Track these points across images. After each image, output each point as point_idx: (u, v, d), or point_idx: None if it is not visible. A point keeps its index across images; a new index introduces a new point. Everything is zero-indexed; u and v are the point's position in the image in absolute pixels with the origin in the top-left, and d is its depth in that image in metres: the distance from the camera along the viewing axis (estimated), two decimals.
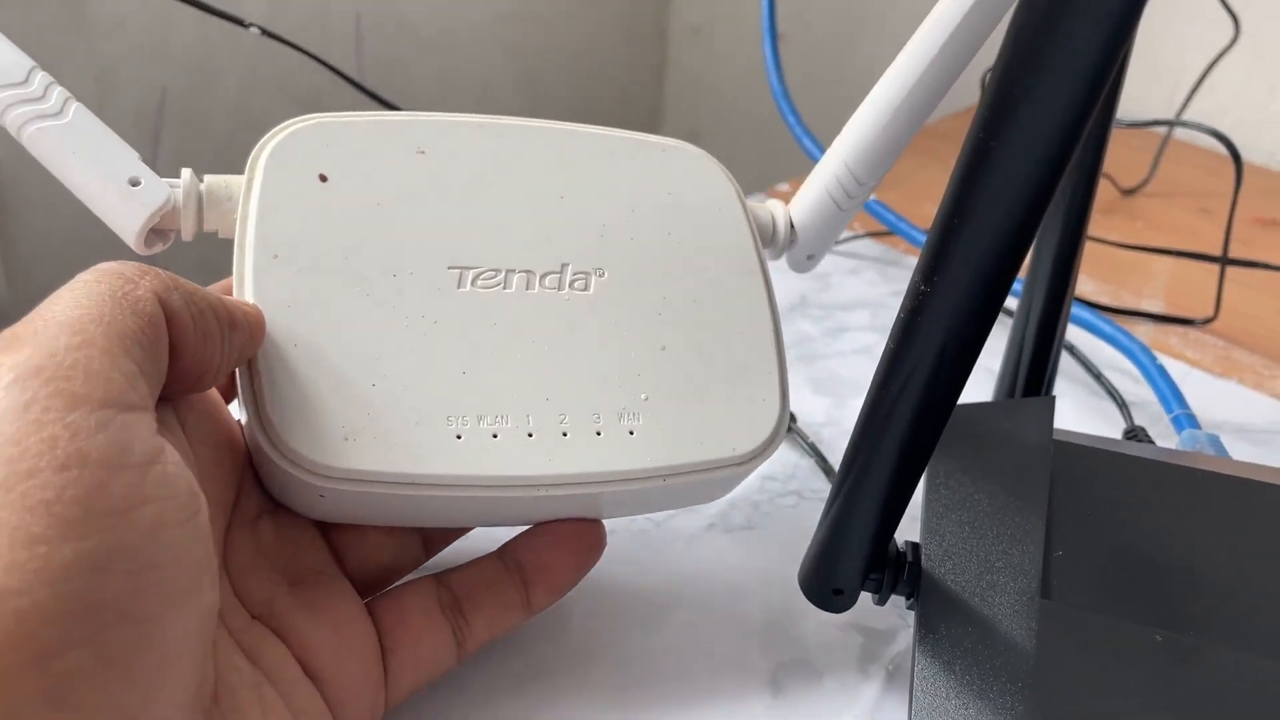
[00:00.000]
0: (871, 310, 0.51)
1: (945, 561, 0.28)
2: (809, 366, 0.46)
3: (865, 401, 0.25)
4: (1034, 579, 0.27)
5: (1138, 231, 0.63)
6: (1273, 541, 0.28)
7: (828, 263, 0.55)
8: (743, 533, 0.36)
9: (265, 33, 0.47)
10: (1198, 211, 0.67)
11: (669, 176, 0.32)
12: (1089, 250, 0.59)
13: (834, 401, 0.44)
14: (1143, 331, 0.52)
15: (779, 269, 0.35)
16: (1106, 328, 0.44)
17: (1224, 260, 0.53)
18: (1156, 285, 0.57)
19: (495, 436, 0.27)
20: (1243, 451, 0.43)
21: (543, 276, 0.29)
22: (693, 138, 0.34)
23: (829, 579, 0.29)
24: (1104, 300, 0.54)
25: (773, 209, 0.35)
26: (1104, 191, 0.68)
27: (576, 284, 0.30)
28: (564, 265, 0.30)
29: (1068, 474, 0.30)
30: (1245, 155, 0.77)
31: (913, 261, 0.52)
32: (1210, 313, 0.53)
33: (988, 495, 0.30)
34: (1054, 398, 0.34)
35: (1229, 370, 0.49)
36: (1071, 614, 0.26)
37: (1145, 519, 0.29)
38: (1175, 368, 0.49)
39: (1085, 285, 0.56)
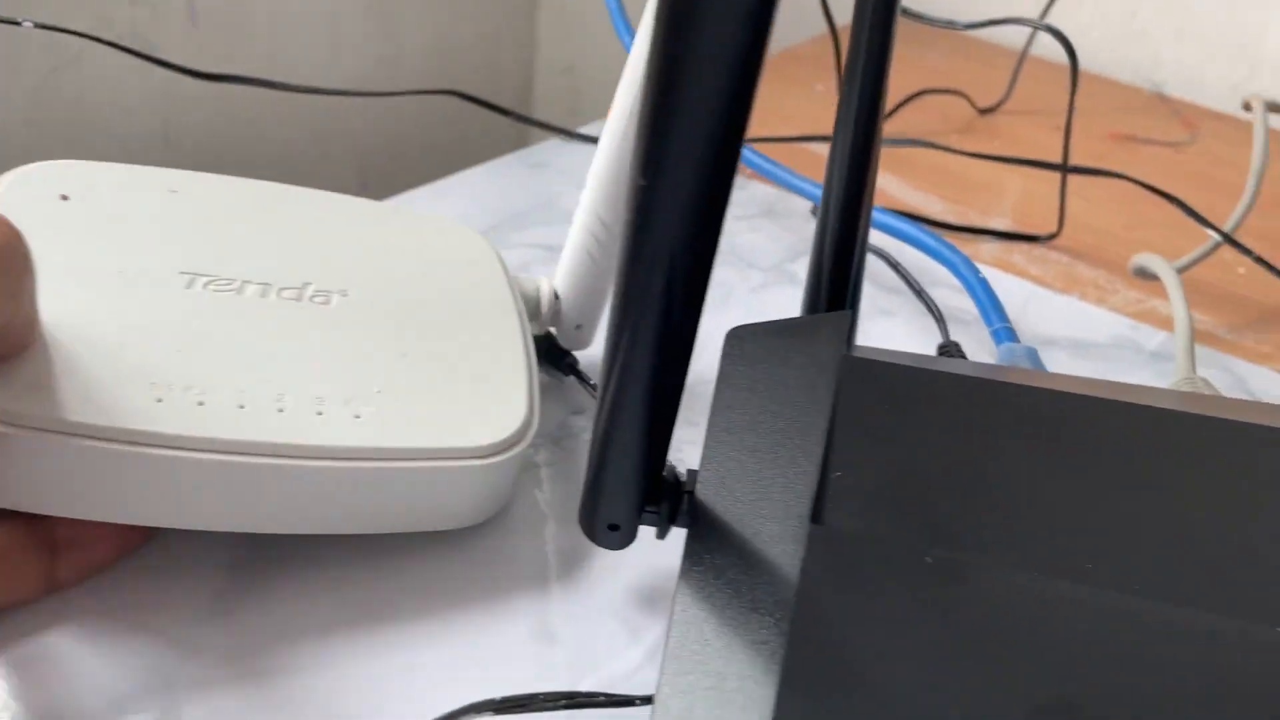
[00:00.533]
0: (760, 252, 0.48)
1: (720, 489, 0.26)
2: None
3: (609, 323, 0.23)
4: (806, 502, 0.25)
5: (993, 150, 0.61)
6: (1065, 455, 0.26)
7: None
8: (536, 470, 0.33)
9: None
10: (1053, 129, 0.65)
11: (430, 240, 0.35)
12: (937, 170, 0.57)
13: None
14: (988, 250, 0.51)
15: None
16: (930, 241, 0.42)
17: (1064, 168, 0.51)
18: (1006, 204, 0.55)
19: (201, 404, 0.26)
20: (1081, 367, 0.42)
21: (280, 290, 0.30)
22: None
23: (603, 514, 0.27)
24: (950, 219, 0.53)
25: (537, 281, 0.36)
26: (961, 110, 0.66)
27: (316, 299, 0.30)
28: (305, 284, 0.30)
29: (855, 391, 0.28)
30: (1108, 72, 0.76)
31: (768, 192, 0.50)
32: (1054, 229, 0.51)
33: (769, 416, 0.28)
34: (849, 313, 0.31)
35: (1071, 286, 0.48)
36: (839, 538, 0.24)
37: (934, 436, 0.27)
38: (1019, 285, 0.48)
39: (933, 205, 0.54)
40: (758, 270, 0.46)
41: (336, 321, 0.30)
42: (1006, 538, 0.24)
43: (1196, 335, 0.46)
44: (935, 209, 0.54)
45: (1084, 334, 0.45)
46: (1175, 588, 0.23)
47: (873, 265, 0.46)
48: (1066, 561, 0.23)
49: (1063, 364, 0.42)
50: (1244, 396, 0.42)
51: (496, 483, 0.29)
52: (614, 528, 0.27)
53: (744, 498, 0.26)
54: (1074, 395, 0.28)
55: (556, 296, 0.36)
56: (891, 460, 0.26)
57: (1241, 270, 0.50)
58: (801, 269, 0.47)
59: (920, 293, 0.43)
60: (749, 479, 0.26)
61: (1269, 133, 0.51)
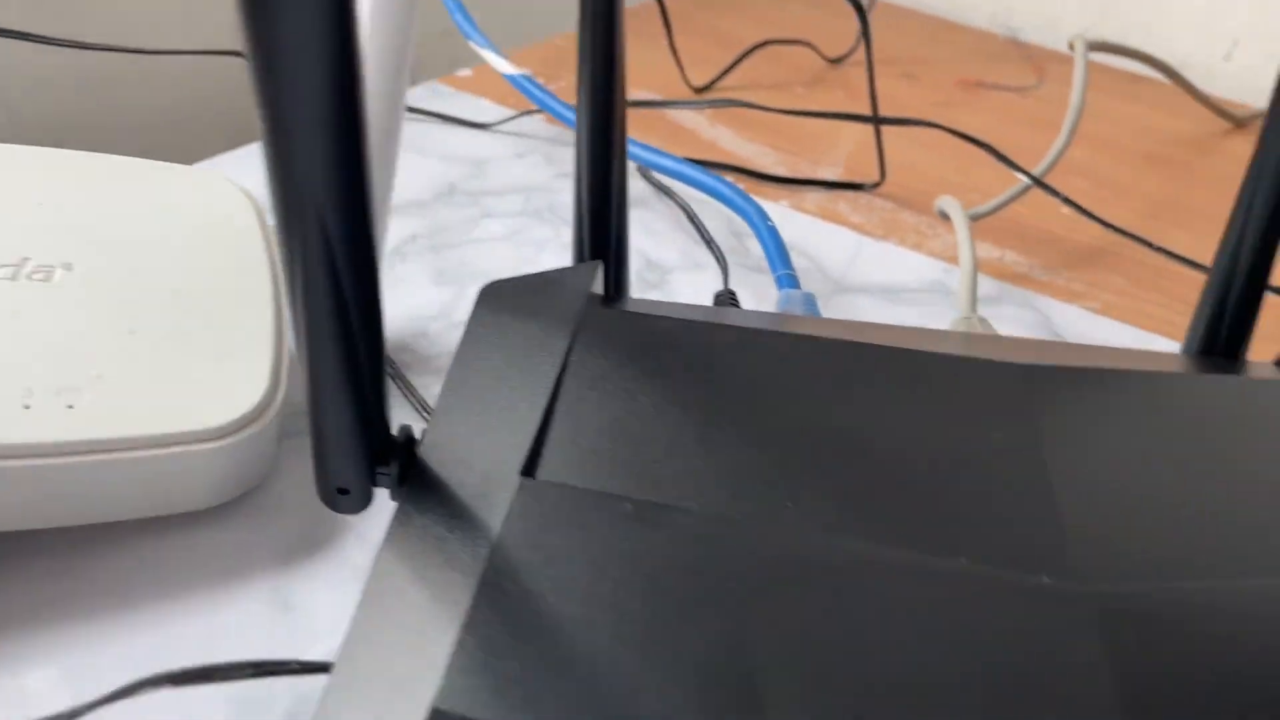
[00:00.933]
0: (525, 195, 0.48)
1: (444, 446, 0.26)
2: (436, 256, 0.43)
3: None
4: (521, 455, 0.25)
5: (838, 101, 0.61)
6: (787, 398, 0.26)
7: (490, 146, 0.51)
8: (295, 439, 0.33)
9: None
10: (901, 77, 0.66)
11: (177, 197, 0.33)
12: (773, 123, 0.57)
13: (454, 292, 0.40)
14: (813, 199, 0.50)
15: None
16: (725, 190, 0.42)
17: (875, 120, 0.51)
18: (839, 153, 0.55)
19: None
20: (889, 311, 0.42)
21: None
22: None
23: (331, 478, 0.26)
24: (780, 170, 0.52)
25: None
26: (811, 61, 0.66)
27: (36, 276, 0.28)
28: (24, 259, 0.29)
29: (590, 342, 0.28)
30: (964, 18, 0.77)
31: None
32: (877, 177, 0.51)
33: (505, 370, 0.27)
34: (597, 263, 0.31)
35: (891, 232, 0.48)
36: (547, 489, 0.24)
37: (663, 384, 0.27)
38: (841, 233, 0.48)
39: (765, 157, 0.54)
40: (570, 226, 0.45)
41: (56, 300, 0.28)
42: (713, 483, 0.24)
43: (1013, 277, 0.46)
44: (767, 161, 0.53)
45: (898, 278, 0.45)
46: (879, 527, 0.23)
47: (679, 216, 0.46)
48: (769, 504, 0.23)
49: (871, 308, 0.42)
50: (1045, 335, 0.43)
51: (235, 463, 0.28)
52: (344, 491, 0.26)
53: (464, 454, 0.25)
54: (814, 338, 0.28)
55: None
56: (616, 410, 0.26)
57: (1065, 211, 0.51)
58: None
59: (710, 243, 0.43)
60: (473, 434, 0.26)
61: (1088, 74, 0.52)
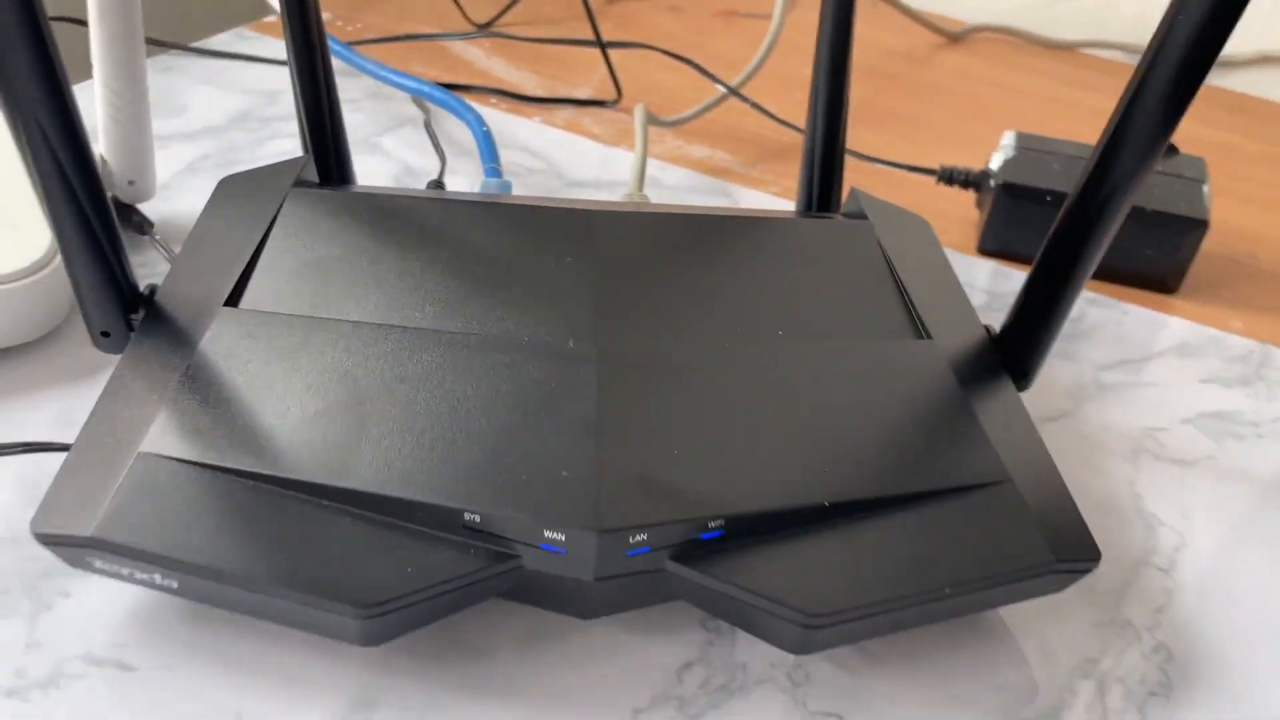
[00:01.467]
0: None
1: (173, 293, 0.34)
2: (221, 170, 0.50)
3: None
4: (226, 291, 0.34)
5: (607, 33, 0.70)
6: (438, 243, 0.35)
7: (284, 80, 0.59)
8: None
9: None
10: (667, 10, 0.75)
11: None
12: (545, 52, 0.66)
13: None
14: (563, 115, 0.59)
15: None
16: (452, 102, 0.51)
17: (600, 44, 0.60)
18: (595, 78, 0.64)
19: None
20: (602, 198, 0.51)
21: None
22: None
23: (94, 323, 0.34)
24: (540, 92, 0.61)
25: None
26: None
27: None
28: None
29: (292, 213, 0.36)
30: None
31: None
32: (615, 95, 0.60)
33: (225, 236, 0.36)
34: (307, 157, 0.40)
35: (622, 140, 0.57)
36: (242, 315, 0.33)
37: (344, 238, 0.36)
38: (583, 143, 0.57)
39: (529, 81, 0.63)
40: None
41: None
42: (367, 302, 0.33)
43: (718, 171, 0.56)
44: (530, 85, 0.62)
45: (619, 176, 0.54)
46: (470, 320, 0.32)
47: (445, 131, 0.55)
48: (401, 311, 0.33)
49: (588, 196, 0.52)
50: None
51: (26, 305, 0.37)
52: (106, 334, 0.35)
53: (185, 295, 0.34)
54: (464, 202, 0.37)
55: (104, 161, 0.43)
56: (304, 258, 0.35)
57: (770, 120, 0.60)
58: (389, 141, 0.55)
59: (436, 145, 0.51)
60: (195, 281, 0.34)
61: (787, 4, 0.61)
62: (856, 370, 0.33)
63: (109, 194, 0.44)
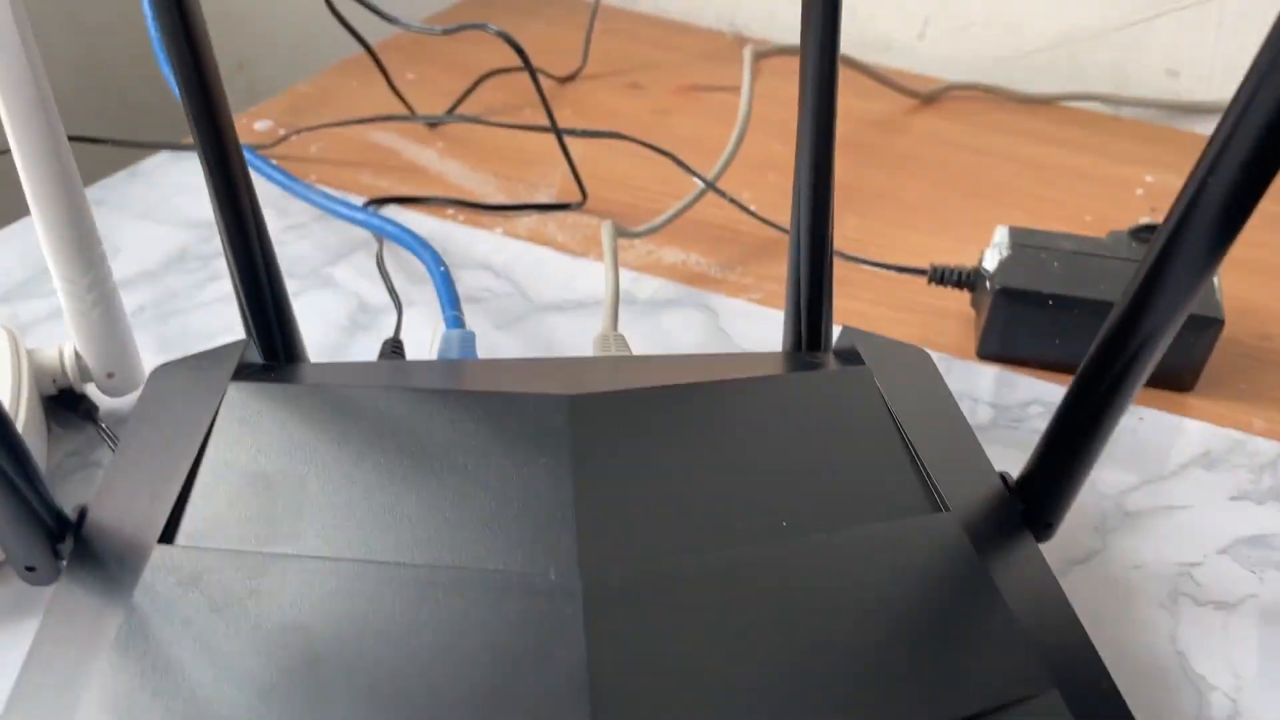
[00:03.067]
0: None
1: (101, 521, 0.30)
2: (163, 325, 0.47)
3: None
4: (160, 524, 0.30)
5: (564, 119, 0.67)
6: (383, 448, 0.32)
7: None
8: None
9: None
10: (627, 88, 0.71)
11: None
12: (499, 149, 0.62)
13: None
14: (525, 224, 0.56)
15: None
16: (411, 241, 0.48)
17: (557, 131, 0.57)
18: (556, 174, 0.61)
19: None
20: (573, 324, 0.48)
21: None
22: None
23: (18, 558, 0.31)
24: (500, 197, 0.58)
25: (58, 346, 0.40)
26: (543, 82, 0.71)
27: None
28: None
29: (231, 420, 0.33)
30: (692, 18, 0.82)
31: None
32: (580, 197, 0.57)
33: (159, 447, 0.32)
34: (244, 340, 0.36)
35: (590, 249, 0.54)
36: (177, 554, 0.29)
37: (286, 449, 0.32)
38: (548, 255, 0.54)
39: (488, 185, 0.59)
40: (294, 279, 0.50)
41: None
42: (306, 528, 0.29)
43: (693, 277, 0.53)
44: (489, 189, 0.59)
45: (589, 293, 0.51)
46: (431, 549, 0.29)
47: (398, 262, 0.51)
48: (365, 538, 0.29)
49: (563, 323, 0.48)
50: (713, 331, 0.49)
51: None
52: (31, 569, 0.31)
53: (116, 525, 0.30)
54: (423, 391, 0.34)
55: (78, 355, 0.40)
56: (242, 477, 0.31)
57: (751, 208, 0.57)
58: (340, 272, 0.51)
59: (390, 289, 0.48)
60: (127, 506, 0.31)
61: (776, 71, 0.58)
62: (871, 567, 0.29)
63: (78, 386, 0.41)
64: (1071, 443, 0.32)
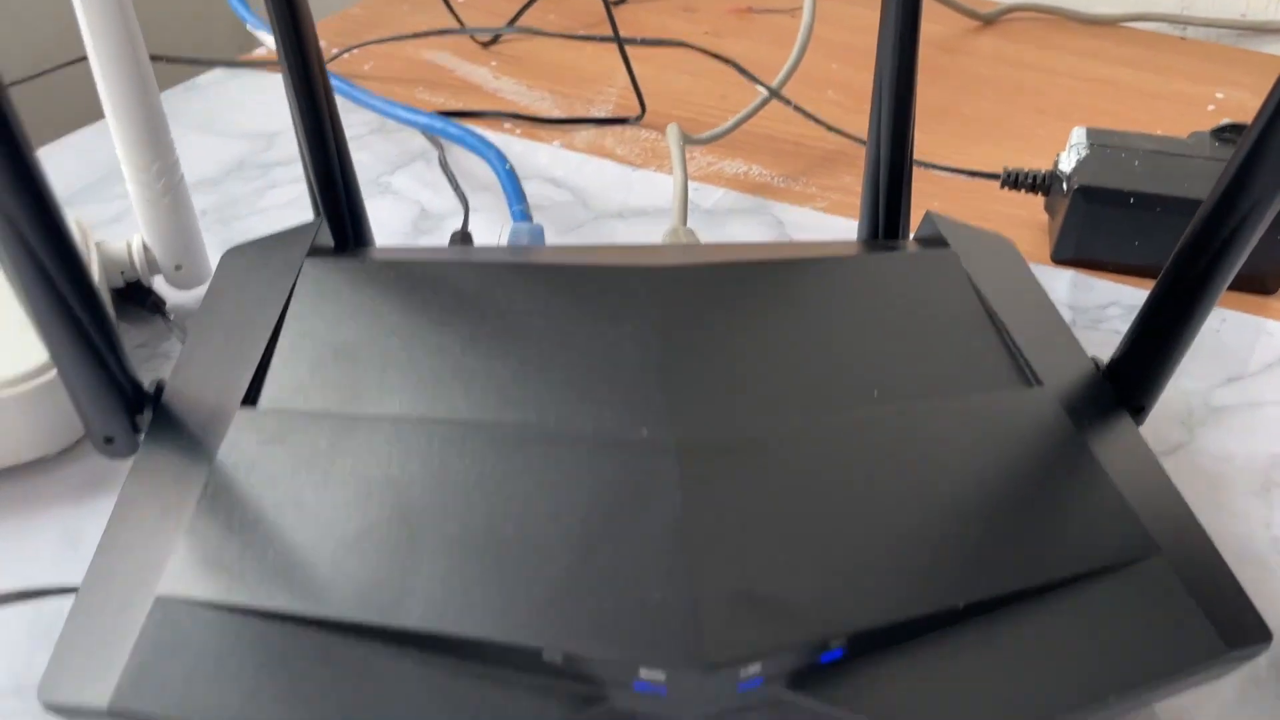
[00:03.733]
0: None
1: (182, 391, 0.30)
2: (226, 228, 0.47)
3: None
4: (243, 388, 0.29)
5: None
6: (466, 318, 0.31)
7: (279, 120, 0.55)
8: None
9: None
10: (680, 10, 0.70)
11: None
12: (554, 67, 0.61)
13: None
14: (583, 138, 0.55)
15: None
16: (472, 140, 0.47)
17: (619, 40, 0.56)
18: (612, 91, 0.60)
19: None
20: (638, 230, 0.47)
21: None
22: None
23: (95, 429, 0.30)
24: (556, 113, 0.57)
25: (127, 240, 0.39)
26: (594, 5, 0.70)
27: None
28: None
29: (307, 289, 0.32)
30: None
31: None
32: (638, 110, 0.56)
33: (237, 320, 0.32)
34: (319, 221, 0.36)
35: (650, 160, 0.53)
36: (261, 416, 0.29)
37: (364, 318, 0.31)
38: (608, 166, 0.53)
39: (544, 102, 0.58)
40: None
41: None
42: (400, 392, 0.29)
43: (757, 187, 0.52)
44: (546, 105, 0.58)
45: (651, 202, 0.50)
46: (523, 411, 0.28)
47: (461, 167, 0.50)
48: (441, 404, 0.28)
49: (625, 230, 0.47)
50: (777, 237, 0.48)
51: (43, 410, 0.33)
52: (109, 440, 0.31)
53: (197, 394, 0.30)
54: (498, 265, 0.33)
55: (146, 247, 0.39)
56: (324, 343, 0.31)
57: (811, 123, 0.56)
58: (400, 181, 0.51)
59: (455, 187, 0.47)
60: (207, 375, 0.30)
61: None
62: (967, 434, 0.29)
63: (146, 280, 0.40)
64: (1164, 326, 0.31)
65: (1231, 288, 0.44)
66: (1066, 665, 0.24)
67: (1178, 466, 0.36)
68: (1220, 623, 0.25)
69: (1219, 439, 0.37)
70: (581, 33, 0.65)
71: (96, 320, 0.28)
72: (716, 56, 0.54)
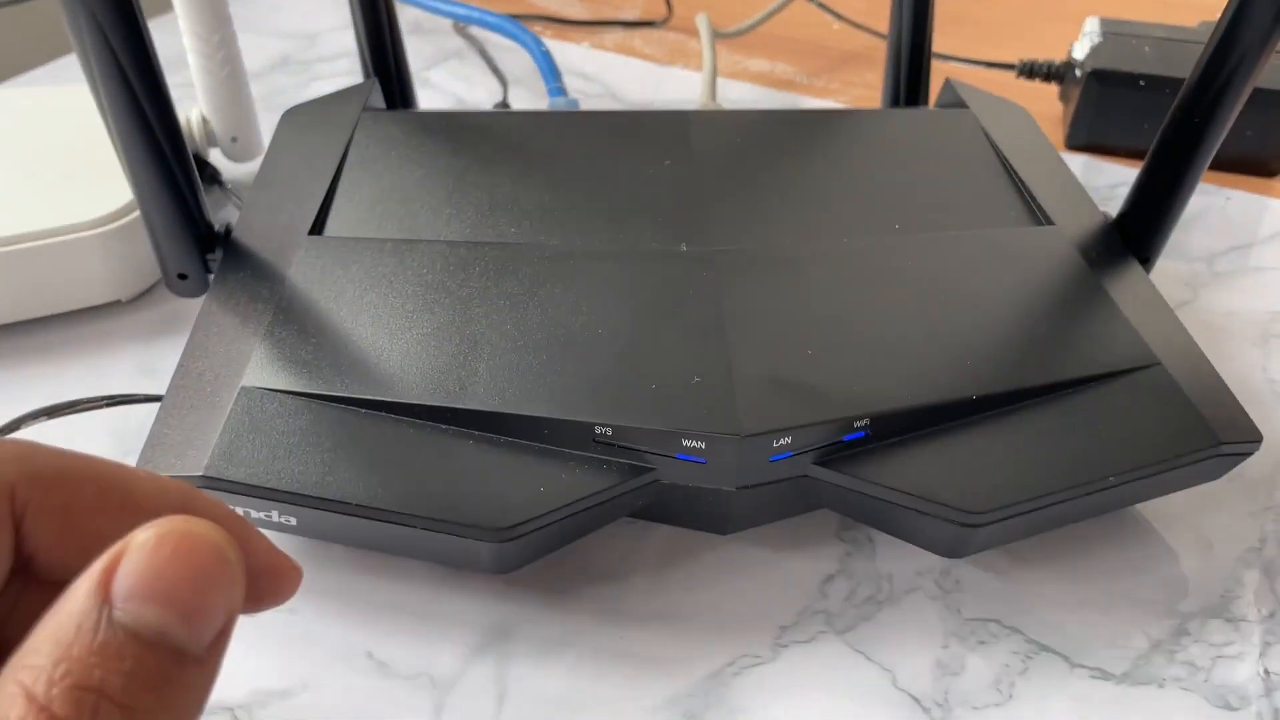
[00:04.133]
0: (351, 58, 0.54)
1: (252, 227, 0.32)
2: (273, 115, 0.49)
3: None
4: (309, 220, 0.32)
5: None
6: (518, 160, 0.33)
7: (320, 20, 0.57)
8: None
9: None
10: None
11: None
12: None
13: None
14: (612, 38, 0.57)
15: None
16: (509, 26, 0.49)
17: None
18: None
19: None
20: None
21: None
22: None
23: (170, 266, 0.33)
24: (584, 16, 0.59)
25: (186, 113, 0.41)
26: None
27: None
28: None
29: (365, 137, 0.34)
30: None
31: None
32: (665, 14, 0.58)
33: (299, 166, 0.34)
34: (373, 81, 0.38)
35: (677, 59, 0.55)
36: (328, 242, 0.31)
37: (422, 160, 0.34)
38: (636, 64, 0.55)
39: (572, 6, 0.60)
40: None
41: None
42: (454, 220, 0.31)
43: (781, 83, 0.53)
44: (575, 9, 0.60)
45: (679, 95, 0.52)
46: (572, 231, 0.30)
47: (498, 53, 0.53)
48: (496, 229, 0.31)
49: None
50: None
51: (120, 251, 0.35)
52: (183, 276, 0.33)
53: (266, 228, 0.32)
54: (548, 114, 0.35)
55: (205, 120, 0.42)
56: (384, 181, 0.33)
57: (836, 27, 0.58)
58: (436, 76, 0.53)
59: (495, 69, 0.49)
60: (272, 214, 0.33)
61: None
62: (983, 259, 0.31)
63: (204, 152, 0.43)
64: (1166, 177, 0.33)
65: (1236, 169, 0.46)
66: (1071, 450, 0.27)
67: (1183, 318, 0.38)
68: (1214, 421, 0.28)
69: (1222, 298, 0.39)
70: None
71: (180, 161, 0.30)
72: None
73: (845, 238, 0.31)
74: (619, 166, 0.32)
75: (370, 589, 0.27)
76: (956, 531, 0.26)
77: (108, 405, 0.31)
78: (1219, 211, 0.44)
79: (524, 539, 0.25)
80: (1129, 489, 0.27)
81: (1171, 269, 0.40)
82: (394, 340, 0.28)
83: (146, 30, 0.28)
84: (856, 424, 0.26)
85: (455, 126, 0.35)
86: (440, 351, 0.27)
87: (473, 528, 0.24)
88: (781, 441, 0.25)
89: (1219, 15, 0.47)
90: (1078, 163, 0.47)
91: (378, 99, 0.38)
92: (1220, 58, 0.30)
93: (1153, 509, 0.30)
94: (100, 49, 0.27)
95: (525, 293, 0.29)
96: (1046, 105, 0.51)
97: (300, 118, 0.36)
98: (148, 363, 0.35)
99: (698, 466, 0.25)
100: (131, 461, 0.28)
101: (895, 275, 0.30)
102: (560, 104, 0.41)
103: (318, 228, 0.32)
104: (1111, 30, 0.47)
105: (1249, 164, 0.46)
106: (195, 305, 0.37)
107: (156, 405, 0.28)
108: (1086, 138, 0.47)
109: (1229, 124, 0.31)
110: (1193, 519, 0.30)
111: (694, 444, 0.25)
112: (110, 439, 0.32)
